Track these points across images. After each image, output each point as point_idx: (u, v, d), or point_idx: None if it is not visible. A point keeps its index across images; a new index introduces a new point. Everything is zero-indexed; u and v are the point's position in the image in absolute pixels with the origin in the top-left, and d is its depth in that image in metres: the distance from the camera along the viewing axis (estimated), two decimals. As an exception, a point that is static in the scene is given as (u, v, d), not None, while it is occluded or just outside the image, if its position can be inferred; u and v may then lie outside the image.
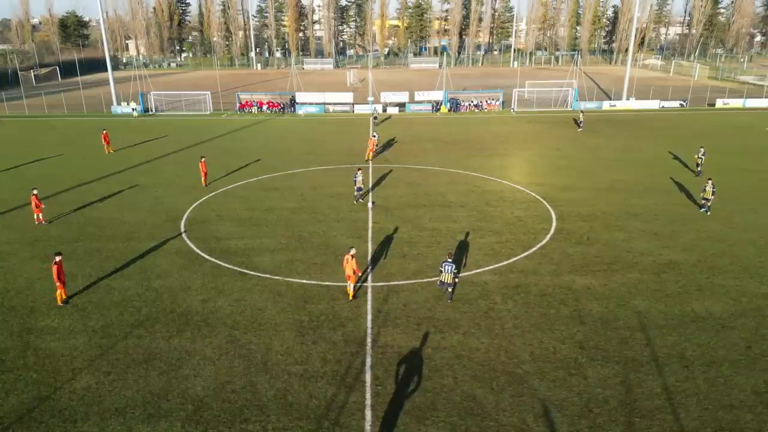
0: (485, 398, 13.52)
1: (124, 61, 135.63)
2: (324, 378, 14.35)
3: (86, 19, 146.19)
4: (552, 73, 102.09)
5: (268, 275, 20.19)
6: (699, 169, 32.97)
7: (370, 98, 62.39)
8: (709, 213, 25.99)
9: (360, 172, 28.10)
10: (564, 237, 23.50)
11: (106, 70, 65.35)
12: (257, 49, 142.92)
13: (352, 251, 18.10)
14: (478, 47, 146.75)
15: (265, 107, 62.41)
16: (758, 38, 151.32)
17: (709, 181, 25.97)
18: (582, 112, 51.11)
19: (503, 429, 12.52)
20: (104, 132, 42.58)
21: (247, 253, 22.17)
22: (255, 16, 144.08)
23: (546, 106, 62.26)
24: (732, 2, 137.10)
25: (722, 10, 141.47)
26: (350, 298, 18.40)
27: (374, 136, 39.12)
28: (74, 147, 43.45)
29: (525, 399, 13.45)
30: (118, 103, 63.42)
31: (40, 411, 13.20)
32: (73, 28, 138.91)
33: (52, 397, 13.65)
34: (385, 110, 60.03)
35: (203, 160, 32.13)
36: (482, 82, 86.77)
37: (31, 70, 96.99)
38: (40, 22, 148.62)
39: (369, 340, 16.04)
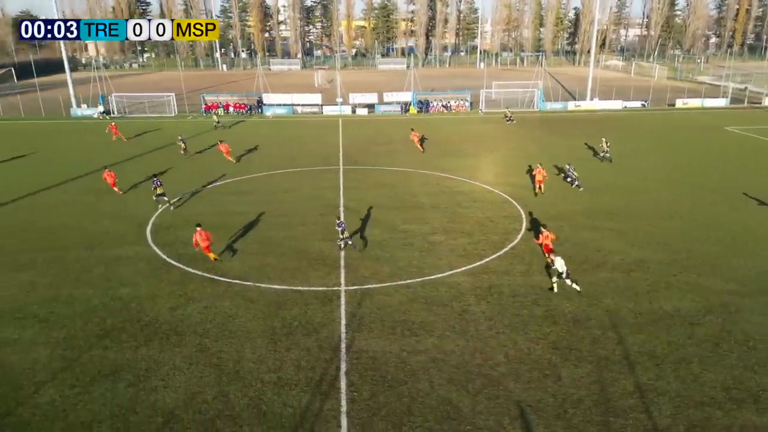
0: (461, 402, 13.48)
1: (83, 62, 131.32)
2: (298, 385, 14.08)
3: (41, 18, 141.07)
4: (518, 73, 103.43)
5: (238, 281, 19.76)
6: (608, 155, 36.73)
7: (339, 99, 62.05)
8: (581, 189, 29.83)
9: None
10: (535, 237, 23.70)
11: (64, 71, 63.21)
12: (222, 50, 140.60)
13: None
14: (445, 48, 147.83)
15: (231, 109, 61.39)
16: (713, 40, 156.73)
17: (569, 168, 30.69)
18: (508, 108, 56.63)
19: (481, 432, 12.50)
20: (112, 124, 46.64)
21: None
22: (219, 16, 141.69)
23: (513, 106, 62.96)
24: (688, 4, 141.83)
25: (679, 12, 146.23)
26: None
27: (413, 130, 39.64)
28: (32, 151, 41.80)
29: (501, 401, 13.46)
30: (78, 106, 61.43)
31: (1, 427, 12.56)
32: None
33: (13, 413, 13.01)
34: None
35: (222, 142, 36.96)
36: (450, 83, 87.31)
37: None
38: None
39: (343, 345, 15.84)
